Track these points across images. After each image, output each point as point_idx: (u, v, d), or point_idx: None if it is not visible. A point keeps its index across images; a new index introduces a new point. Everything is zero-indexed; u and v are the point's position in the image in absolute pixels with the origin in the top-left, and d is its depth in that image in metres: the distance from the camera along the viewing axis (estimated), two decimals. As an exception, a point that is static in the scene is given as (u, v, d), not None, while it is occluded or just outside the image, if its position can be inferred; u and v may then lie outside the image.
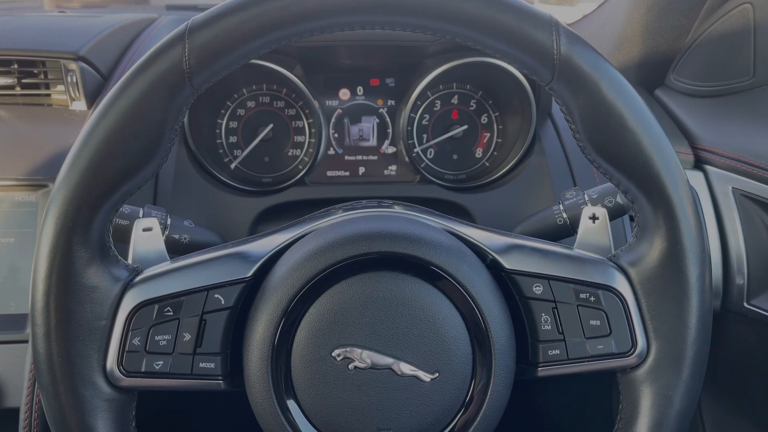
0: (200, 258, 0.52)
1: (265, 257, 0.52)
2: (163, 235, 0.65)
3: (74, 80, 0.85)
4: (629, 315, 0.51)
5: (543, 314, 0.52)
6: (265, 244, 0.53)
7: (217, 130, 0.92)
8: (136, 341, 0.49)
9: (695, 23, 1.00)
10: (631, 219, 0.84)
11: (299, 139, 0.93)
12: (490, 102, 0.97)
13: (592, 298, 0.52)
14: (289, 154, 0.93)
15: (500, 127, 0.97)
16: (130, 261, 0.55)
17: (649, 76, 1.05)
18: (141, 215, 0.67)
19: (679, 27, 0.99)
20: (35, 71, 0.87)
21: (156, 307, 0.49)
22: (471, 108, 0.95)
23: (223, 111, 0.91)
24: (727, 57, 0.93)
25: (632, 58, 1.06)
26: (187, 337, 0.49)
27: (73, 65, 0.85)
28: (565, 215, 0.70)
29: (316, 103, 0.89)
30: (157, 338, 0.49)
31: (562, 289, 0.52)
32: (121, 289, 0.49)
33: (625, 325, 0.51)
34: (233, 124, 0.92)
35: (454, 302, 0.49)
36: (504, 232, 0.55)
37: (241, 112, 0.92)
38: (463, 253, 0.51)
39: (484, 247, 0.53)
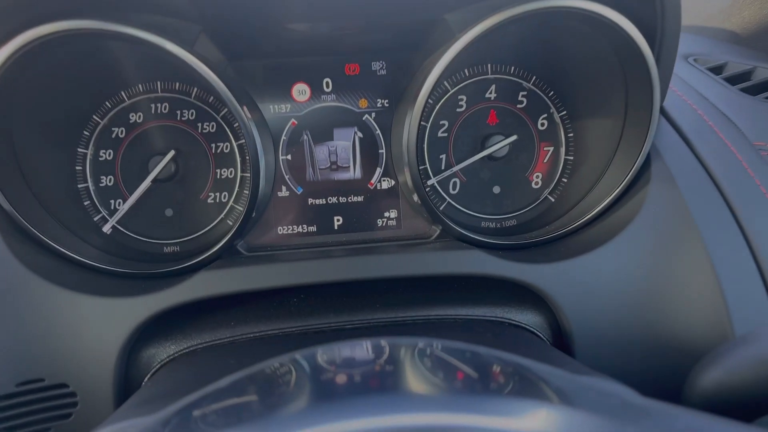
0: None
1: None
2: None
3: None
4: None
5: None
6: None
7: (78, 167, 0.57)
8: None
9: None
10: None
11: (224, 173, 0.59)
12: (551, 93, 0.60)
13: None
14: (209, 200, 0.59)
15: (571, 134, 0.60)
16: None
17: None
18: None
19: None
20: None
21: None
22: (520, 105, 0.60)
23: (86, 133, 0.57)
24: None
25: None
26: None
27: None
28: None
29: (247, 111, 0.53)
30: None
31: None
32: None
33: None
34: (106, 155, 0.58)
35: None
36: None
37: (119, 131, 0.58)
38: None
39: None
